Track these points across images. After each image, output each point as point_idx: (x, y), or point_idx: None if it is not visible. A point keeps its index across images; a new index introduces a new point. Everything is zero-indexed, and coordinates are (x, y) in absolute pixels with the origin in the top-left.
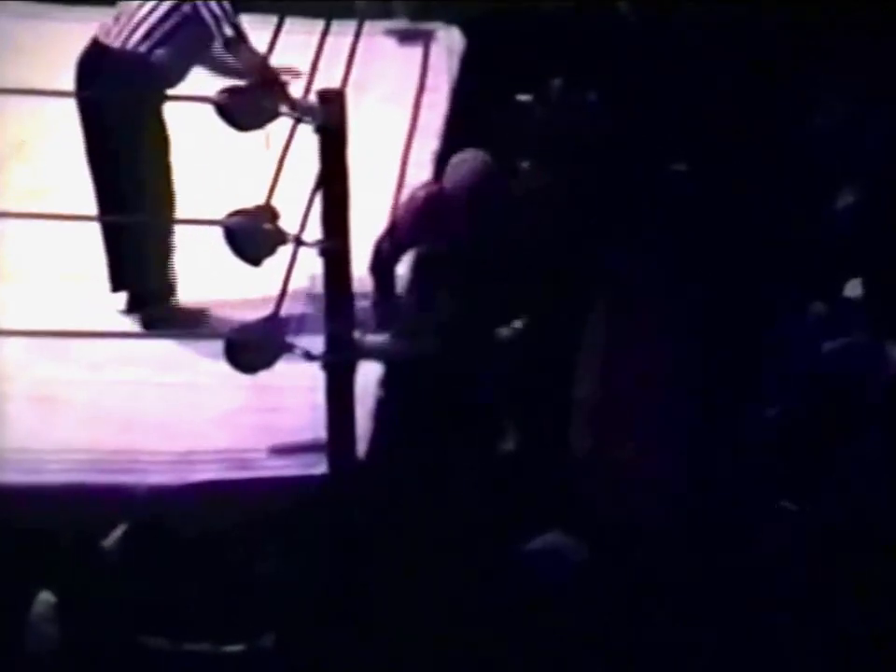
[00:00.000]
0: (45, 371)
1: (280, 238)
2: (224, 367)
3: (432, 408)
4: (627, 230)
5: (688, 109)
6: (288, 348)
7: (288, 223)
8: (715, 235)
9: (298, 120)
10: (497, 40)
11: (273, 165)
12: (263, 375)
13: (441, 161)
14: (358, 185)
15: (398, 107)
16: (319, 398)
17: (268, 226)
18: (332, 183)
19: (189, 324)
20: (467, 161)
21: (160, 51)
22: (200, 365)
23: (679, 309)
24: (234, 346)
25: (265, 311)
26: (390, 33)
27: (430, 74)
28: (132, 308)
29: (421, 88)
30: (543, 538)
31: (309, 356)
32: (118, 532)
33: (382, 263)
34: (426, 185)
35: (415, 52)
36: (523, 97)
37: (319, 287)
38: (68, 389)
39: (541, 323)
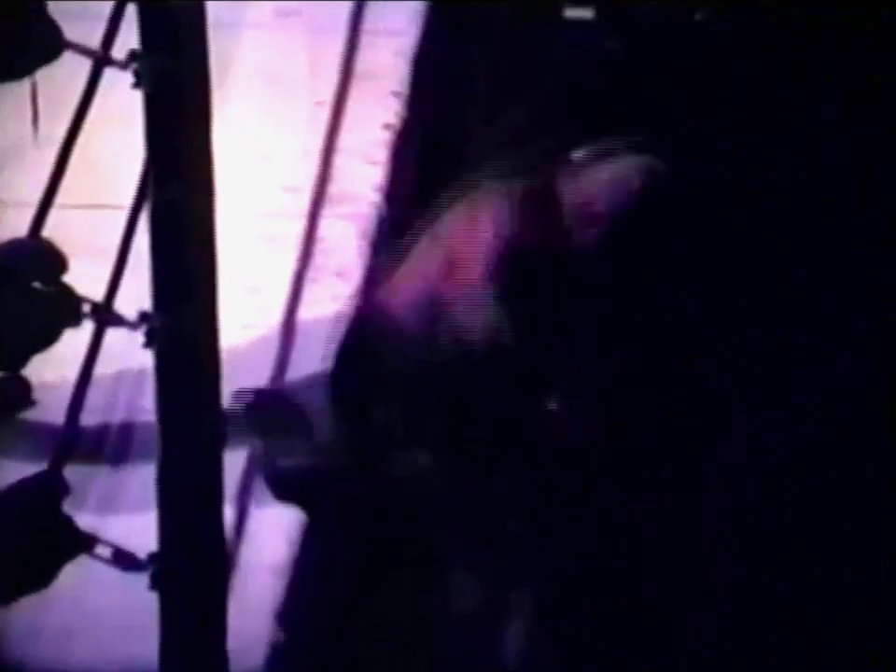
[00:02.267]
0: None
1: (67, 309)
2: None
3: None
4: None
5: None
6: (87, 542)
7: (88, 283)
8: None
9: (101, 65)
10: None
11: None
12: None
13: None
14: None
15: (321, 33)
16: None
17: (37, 284)
18: (174, 197)
19: None
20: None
21: None
22: None
23: None
24: None
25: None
26: None
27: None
28: None
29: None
30: None
31: (124, 560)
32: None
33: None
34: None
35: None
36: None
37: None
38: None
39: None
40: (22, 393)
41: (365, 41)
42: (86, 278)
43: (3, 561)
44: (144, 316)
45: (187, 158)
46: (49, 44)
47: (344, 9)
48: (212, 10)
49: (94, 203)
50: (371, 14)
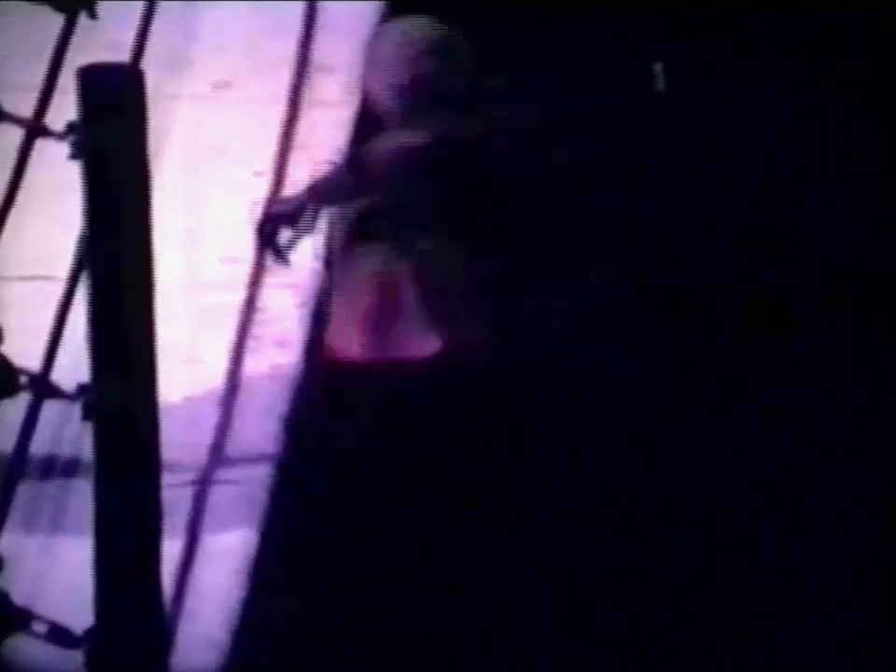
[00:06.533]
0: None
1: (4, 381)
2: None
3: None
4: None
5: None
6: (22, 618)
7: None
8: None
9: (33, 135)
10: None
11: None
12: None
13: None
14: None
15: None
16: None
17: None
18: (114, 265)
19: None
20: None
21: None
22: None
23: None
24: None
25: None
26: None
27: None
28: None
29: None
30: None
31: (60, 636)
32: None
33: None
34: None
35: None
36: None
37: None
38: None
39: None
40: None
41: (303, 113)
42: (23, 350)
43: None
44: (82, 388)
45: (125, 229)
46: None
47: (280, 82)
48: (151, 81)
49: (30, 275)
50: (310, 85)
